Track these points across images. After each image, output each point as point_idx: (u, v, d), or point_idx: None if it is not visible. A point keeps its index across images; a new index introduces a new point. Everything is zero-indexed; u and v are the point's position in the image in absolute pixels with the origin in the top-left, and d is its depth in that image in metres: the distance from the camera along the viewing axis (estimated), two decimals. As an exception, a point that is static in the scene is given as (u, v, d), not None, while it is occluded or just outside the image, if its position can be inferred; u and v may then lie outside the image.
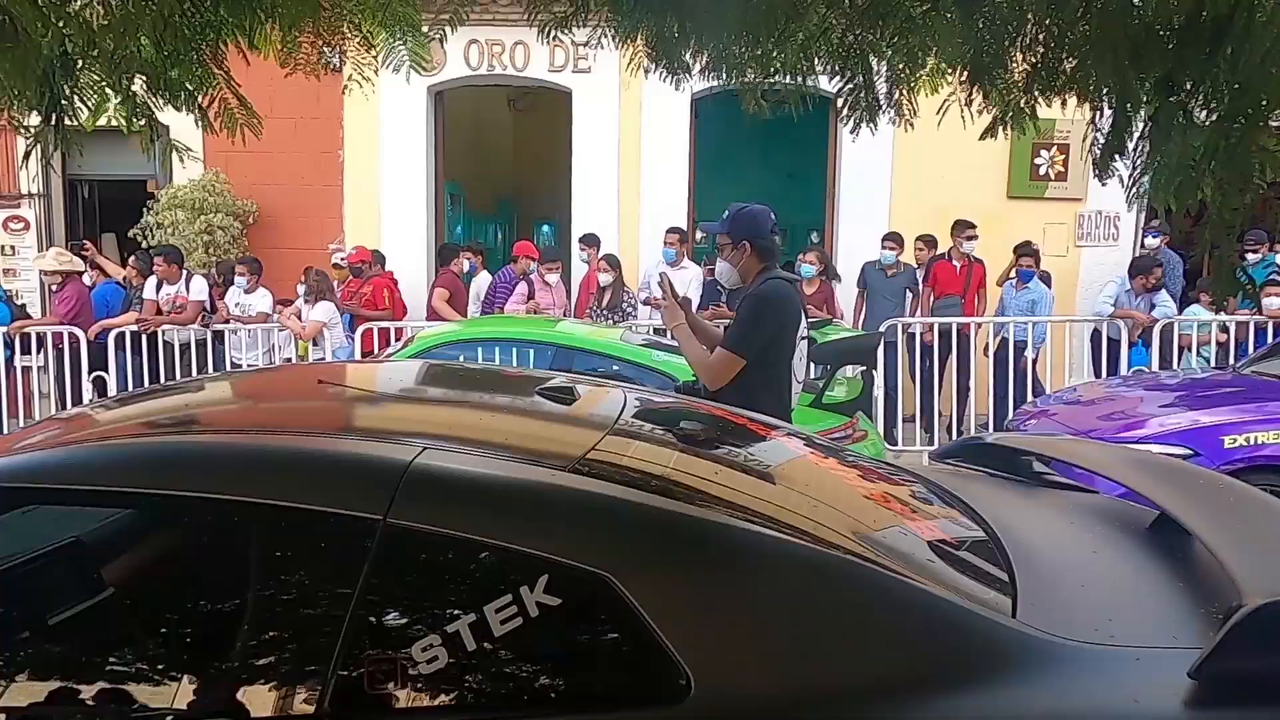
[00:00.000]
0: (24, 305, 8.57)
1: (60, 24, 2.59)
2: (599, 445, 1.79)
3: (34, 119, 3.57)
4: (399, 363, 2.98)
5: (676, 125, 8.94)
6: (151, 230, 8.68)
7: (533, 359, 5.21)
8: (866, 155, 8.41)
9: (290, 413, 1.94)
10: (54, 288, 7.79)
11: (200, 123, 2.92)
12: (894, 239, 7.83)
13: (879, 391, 7.02)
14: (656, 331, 7.33)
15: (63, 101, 3.12)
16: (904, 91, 3.44)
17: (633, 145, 9.04)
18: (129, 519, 1.68)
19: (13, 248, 9.29)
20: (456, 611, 1.43)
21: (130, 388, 7.44)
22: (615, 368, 5.04)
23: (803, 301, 3.58)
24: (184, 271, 7.70)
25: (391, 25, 3.23)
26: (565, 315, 7.69)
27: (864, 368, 5.57)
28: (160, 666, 1.56)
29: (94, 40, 2.75)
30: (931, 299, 7.89)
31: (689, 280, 7.71)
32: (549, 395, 2.08)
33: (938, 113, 3.40)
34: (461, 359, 5.08)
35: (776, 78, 3.62)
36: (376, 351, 7.40)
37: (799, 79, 3.58)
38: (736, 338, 3.26)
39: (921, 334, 7.66)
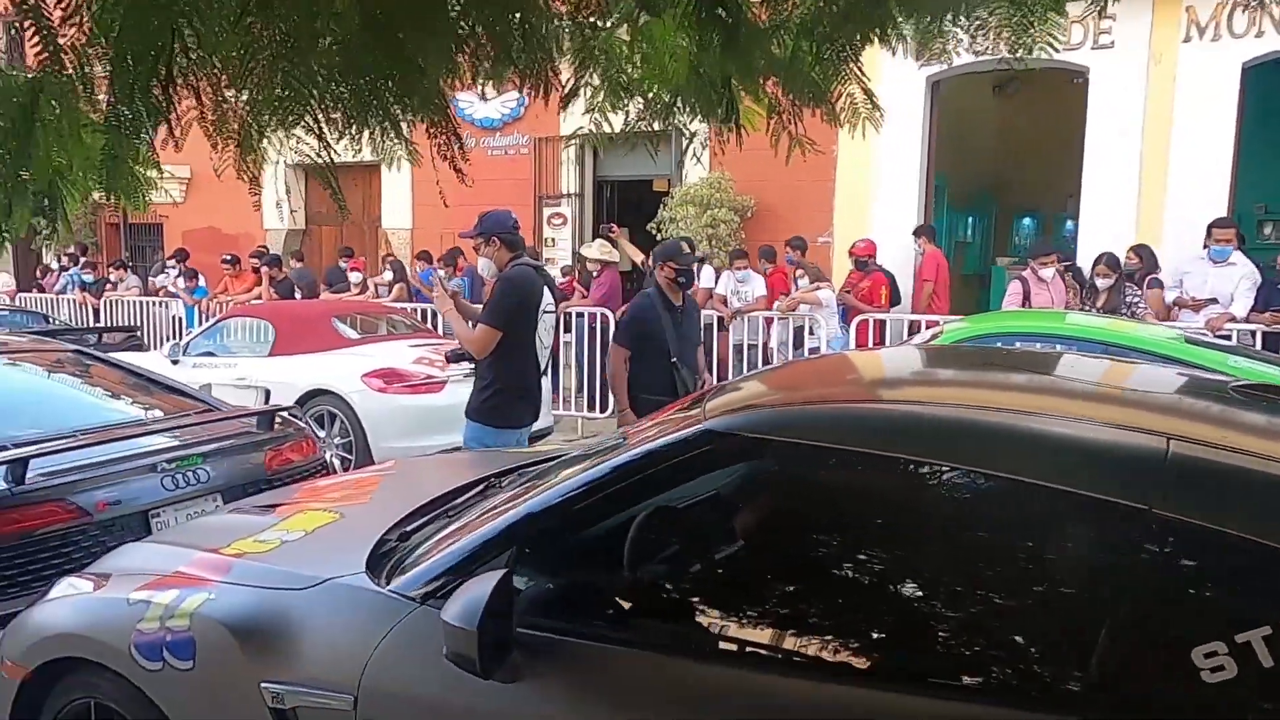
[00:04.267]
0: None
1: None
2: None
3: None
4: (1050, 352, 2.85)
5: (1221, 100, 7.77)
6: (665, 224, 9.64)
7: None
8: None
9: (999, 394, 1.91)
10: (594, 273, 8.95)
11: (828, 119, 3.04)
12: None
13: None
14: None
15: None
16: None
17: (1160, 127, 8.04)
18: (879, 481, 1.70)
19: (553, 240, 10.93)
20: (1245, 620, 1.30)
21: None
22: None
23: (550, 281, 4.39)
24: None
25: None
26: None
27: None
28: (930, 630, 1.61)
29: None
30: None
31: (1238, 278, 6.64)
32: (1250, 394, 1.85)
33: None
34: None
35: None
36: (870, 345, 7.46)
37: None
38: (489, 314, 4.07)
39: None
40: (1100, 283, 6.75)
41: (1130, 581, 1.39)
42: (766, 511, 1.79)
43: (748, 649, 1.70)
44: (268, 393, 6.63)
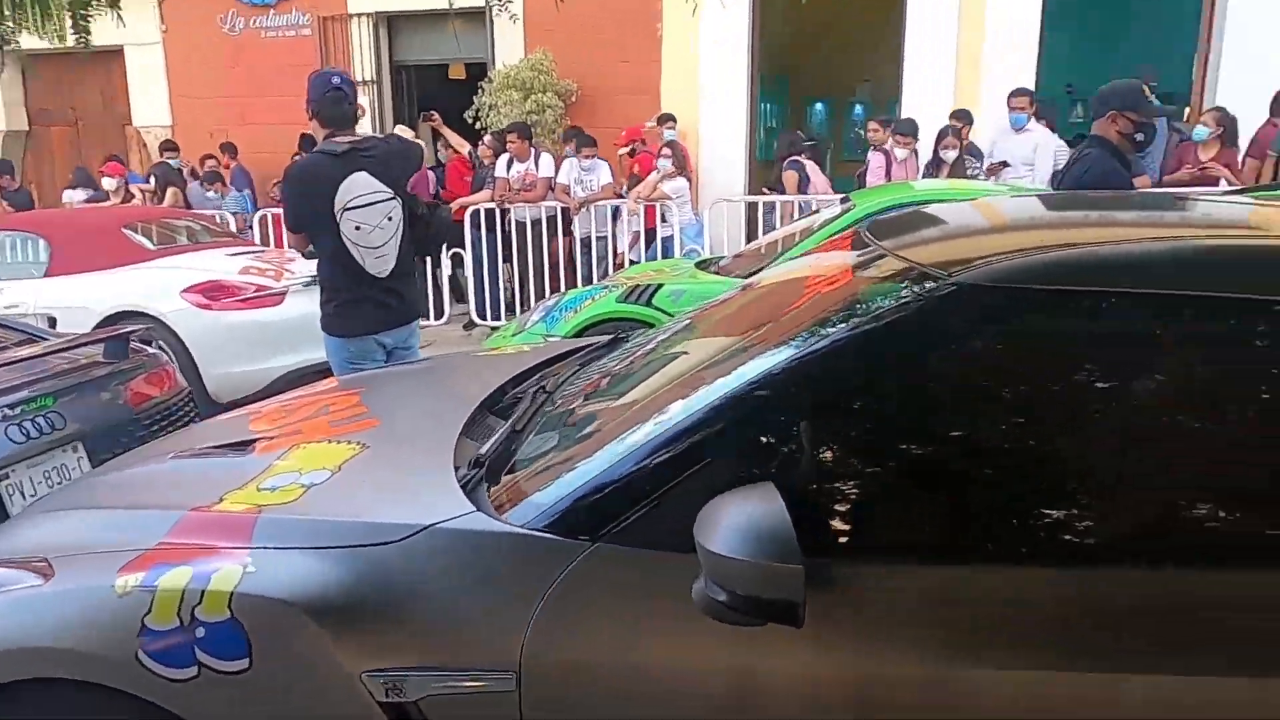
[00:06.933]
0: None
1: None
2: None
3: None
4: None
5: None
6: (484, 110, 8.88)
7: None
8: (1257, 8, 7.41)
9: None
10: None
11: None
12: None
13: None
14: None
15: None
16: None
17: (976, 5, 8.34)
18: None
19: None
20: None
21: (485, 265, 7.69)
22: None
23: (373, 166, 3.45)
24: (532, 149, 7.80)
25: None
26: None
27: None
28: None
29: None
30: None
31: (1034, 145, 7.07)
32: None
33: None
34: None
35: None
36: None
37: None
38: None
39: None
40: (947, 155, 6.98)
41: None
42: (1035, 377, 1.49)
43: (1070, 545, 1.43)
44: (52, 320, 5.44)
